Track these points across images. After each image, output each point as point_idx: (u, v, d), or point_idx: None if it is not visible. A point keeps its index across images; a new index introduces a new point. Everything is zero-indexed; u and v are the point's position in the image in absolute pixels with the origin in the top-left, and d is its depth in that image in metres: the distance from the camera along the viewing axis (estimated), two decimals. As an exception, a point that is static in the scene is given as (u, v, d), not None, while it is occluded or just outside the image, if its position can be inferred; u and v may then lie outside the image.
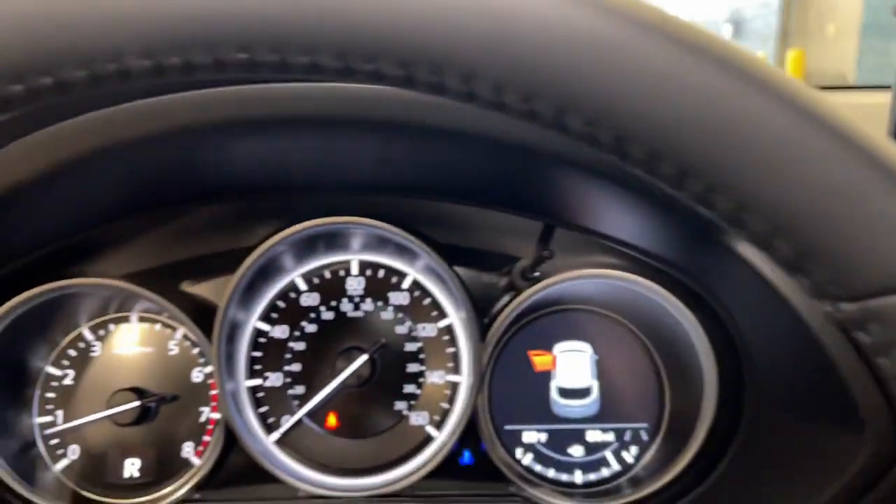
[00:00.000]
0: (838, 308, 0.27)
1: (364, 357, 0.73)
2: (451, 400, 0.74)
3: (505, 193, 0.64)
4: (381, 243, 0.75)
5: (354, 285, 0.76)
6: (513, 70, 0.25)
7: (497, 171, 0.61)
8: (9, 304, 0.67)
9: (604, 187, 0.58)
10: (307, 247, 0.74)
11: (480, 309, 0.72)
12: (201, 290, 0.73)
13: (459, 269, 0.72)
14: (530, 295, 0.69)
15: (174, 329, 0.75)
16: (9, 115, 0.28)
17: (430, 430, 0.74)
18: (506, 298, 0.72)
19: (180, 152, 0.60)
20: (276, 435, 0.73)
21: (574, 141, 0.27)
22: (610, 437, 0.75)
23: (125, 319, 0.75)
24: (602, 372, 0.75)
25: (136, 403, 0.71)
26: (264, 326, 0.75)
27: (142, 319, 0.75)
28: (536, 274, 0.68)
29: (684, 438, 0.70)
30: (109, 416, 0.72)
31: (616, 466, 0.75)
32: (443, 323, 0.75)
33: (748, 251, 0.55)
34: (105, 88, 0.27)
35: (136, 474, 0.73)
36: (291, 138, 0.60)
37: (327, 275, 0.76)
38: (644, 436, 0.74)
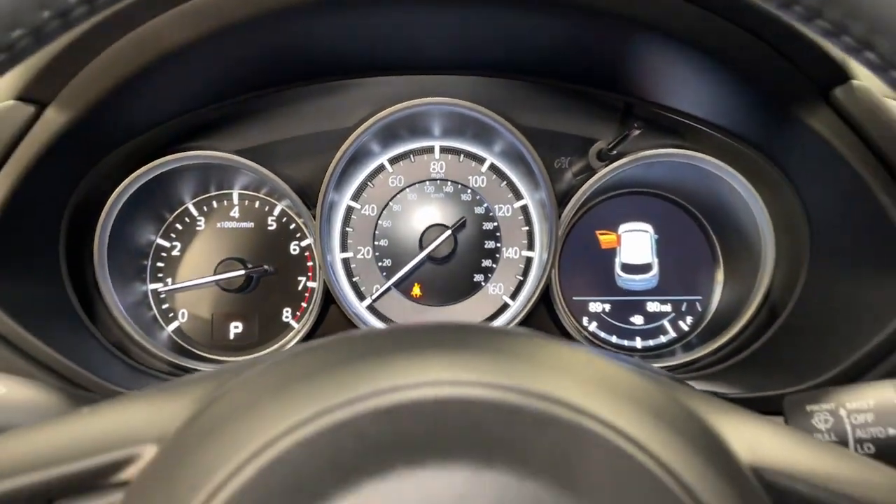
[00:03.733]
0: None
1: (447, 233, 0.80)
2: (525, 273, 0.82)
3: (584, 69, 0.70)
4: (460, 129, 0.81)
5: (437, 169, 0.82)
6: None
7: (576, 44, 0.67)
8: (133, 175, 0.73)
9: (681, 61, 0.64)
10: (392, 132, 0.80)
11: (554, 190, 0.79)
12: (297, 170, 0.80)
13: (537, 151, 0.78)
14: (606, 174, 0.76)
15: (273, 206, 0.81)
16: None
17: (507, 299, 0.82)
18: (579, 179, 0.78)
19: (278, 34, 0.66)
20: (367, 301, 0.81)
21: None
22: (667, 308, 0.83)
23: (227, 196, 0.82)
24: (661, 250, 0.83)
25: (242, 272, 0.79)
26: (355, 205, 0.82)
27: (241, 197, 0.81)
28: (613, 153, 0.75)
29: (737, 310, 0.78)
30: (217, 282, 0.79)
31: (672, 334, 0.83)
32: (518, 204, 0.82)
33: (818, 123, 0.62)
34: None
35: (241, 335, 0.81)
36: (376, 15, 0.65)
37: (412, 158, 0.82)
38: (699, 307, 0.83)
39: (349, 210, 0.82)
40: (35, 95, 0.60)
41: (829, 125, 0.62)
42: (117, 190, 0.73)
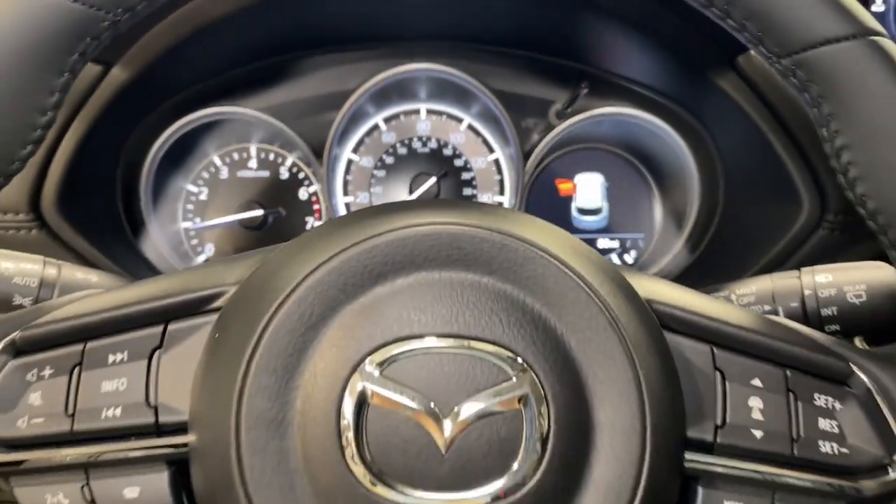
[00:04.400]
0: (779, 63, 0.48)
1: (433, 180, 0.96)
2: (497, 215, 0.98)
3: (544, 39, 0.86)
4: (443, 93, 0.96)
5: (423, 128, 0.98)
6: None
7: (536, 17, 0.83)
8: (171, 128, 0.88)
9: (618, 33, 0.81)
10: (384, 95, 0.96)
11: (521, 145, 0.95)
12: (306, 126, 0.94)
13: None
14: (562, 130, 0.92)
15: (285, 157, 0.97)
16: None
17: (482, 236, 0.98)
18: (541, 136, 0.95)
19: (295, 10, 0.81)
20: (366, 238, 0.97)
21: None
22: (615, 244, 0.99)
23: (246, 150, 0.96)
24: (610, 195, 0.99)
25: (260, 212, 0.94)
26: (355, 157, 0.97)
27: (259, 150, 0.96)
28: (568, 110, 0.91)
29: (671, 242, 0.95)
30: (240, 220, 0.94)
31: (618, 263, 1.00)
32: (491, 157, 0.98)
33: (727, 84, 0.79)
34: None
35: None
36: None
37: (402, 118, 0.98)
38: (641, 243, 0.99)
39: (350, 162, 0.97)
40: (104, 57, 0.74)
41: (735, 86, 0.78)
42: (158, 140, 0.88)
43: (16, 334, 0.44)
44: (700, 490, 0.44)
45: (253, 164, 0.97)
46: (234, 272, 0.46)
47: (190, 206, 0.96)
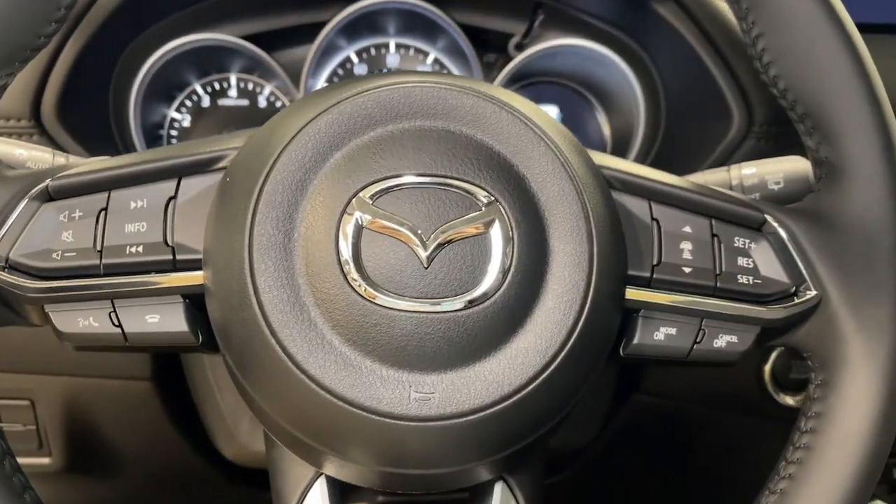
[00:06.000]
0: None
1: (401, 109, 1.03)
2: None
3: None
4: (410, 27, 1.04)
5: (392, 61, 1.06)
6: None
7: None
8: (159, 52, 0.94)
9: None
10: (355, 29, 1.03)
11: (483, 78, 1.03)
12: (282, 56, 1.01)
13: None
14: (520, 61, 1.00)
15: (263, 87, 1.03)
16: None
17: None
18: (500, 69, 1.03)
19: None
20: (340, 162, 1.04)
21: None
22: (569, 169, 1.09)
23: (226, 79, 1.03)
24: (566, 125, 1.08)
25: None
26: (328, 87, 1.04)
27: (238, 80, 1.03)
28: (525, 41, 1.00)
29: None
30: (222, 145, 1.00)
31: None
32: (455, 88, 1.06)
33: (667, 13, 0.88)
34: None
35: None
36: None
37: (373, 52, 1.05)
38: (592, 168, 1.09)
39: (324, 91, 1.04)
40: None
41: (674, 13, 0.88)
42: (144, 66, 0.94)
43: (48, 182, 0.50)
44: (640, 319, 0.53)
45: (233, 92, 1.03)
46: (238, 138, 0.53)
47: (174, 133, 1.02)
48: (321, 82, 1.04)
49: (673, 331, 0.53)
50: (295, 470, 0.51)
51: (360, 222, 0.47)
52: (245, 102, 1.03)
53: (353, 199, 0.47)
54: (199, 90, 1.02)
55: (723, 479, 1.05)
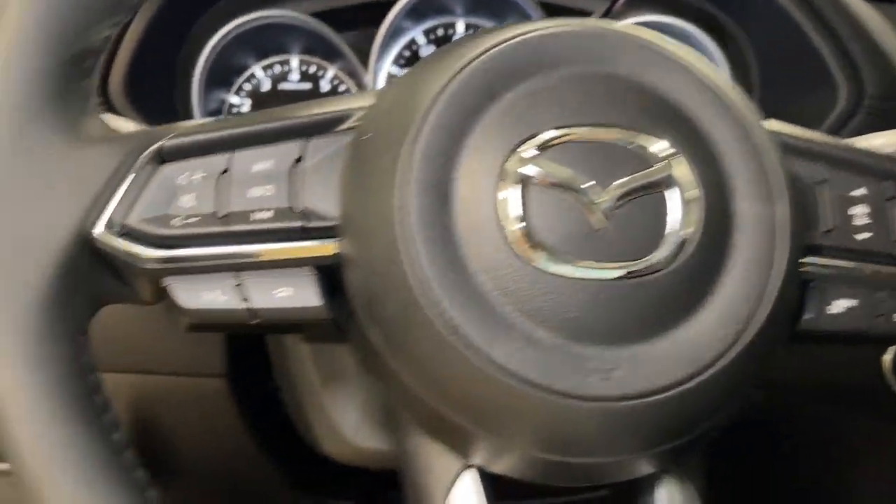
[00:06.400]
0: None
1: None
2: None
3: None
4: (478, 6, 0.99)
5: (460, 41, 1.00)
6: None
7: None
8: (223, 31, 0.89)
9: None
10: (422, 9, 0.98)
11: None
12: (347, 38, 0.96)
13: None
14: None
15: (326, 69, 0.98)
16: None
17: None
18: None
19: None
20: (408, 147, 0.99)
21: None
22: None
23: (286, 62, 0.97)
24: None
25: (305, 121, 0.95)
26: (395, 70, 0.99)
27: (300, 62, 0.97)
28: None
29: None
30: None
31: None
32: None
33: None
34: None
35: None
36: None
37: (440, 32, 1.00)
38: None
39: (389, 75, 0.99)
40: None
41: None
42: (205, 50, 0.88)
43: (163, 142, 0.45)
44: (814, 290, 0.48)
45: (294, 76, 0.98)
46: (364, 97, 0.48)
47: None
48: (388, 65, 0.98)
49: (854, 303, 0.47)
50: (440, 462, 0.46)
51: (524, 179, 0.41)
52: (307, 86, 0.98)
53: (517, 153, 0.41)
54: (259, 73, 0.97)
55: (838, 486, 0.98)
